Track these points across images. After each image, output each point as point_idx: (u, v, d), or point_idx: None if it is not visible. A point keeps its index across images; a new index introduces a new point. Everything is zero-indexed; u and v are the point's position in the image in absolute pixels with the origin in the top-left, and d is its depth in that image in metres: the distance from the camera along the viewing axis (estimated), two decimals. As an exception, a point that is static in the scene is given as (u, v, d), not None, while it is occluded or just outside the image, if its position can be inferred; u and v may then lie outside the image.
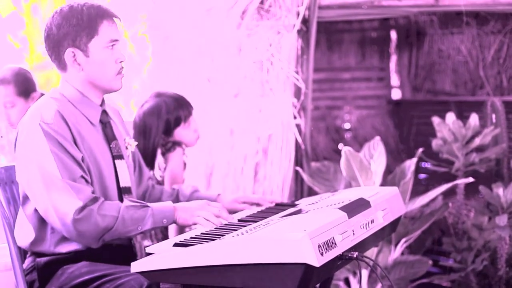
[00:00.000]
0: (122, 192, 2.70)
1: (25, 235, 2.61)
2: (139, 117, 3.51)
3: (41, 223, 2.56)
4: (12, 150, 3.88)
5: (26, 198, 2.58)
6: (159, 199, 2.99)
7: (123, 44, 2.70)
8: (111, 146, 2.69)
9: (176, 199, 3.02)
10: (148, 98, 3.58)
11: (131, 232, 2.48)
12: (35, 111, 2.55)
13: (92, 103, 2.66)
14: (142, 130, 3.47)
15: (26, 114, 2.60)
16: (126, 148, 2.82)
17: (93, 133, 2.64)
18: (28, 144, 2.51)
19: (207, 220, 2.50)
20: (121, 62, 2.64)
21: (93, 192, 2.48)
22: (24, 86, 3.75)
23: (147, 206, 2.51)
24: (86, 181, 2.50)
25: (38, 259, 2.58)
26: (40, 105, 2.58)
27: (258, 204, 2.99)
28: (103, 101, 2.72)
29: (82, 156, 2.53)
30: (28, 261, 2.65)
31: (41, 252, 2.59)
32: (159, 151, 3.49)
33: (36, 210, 2.55)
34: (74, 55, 2.58)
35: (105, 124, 2.71)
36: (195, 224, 2.53)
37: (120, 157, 2.72)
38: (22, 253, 2.71)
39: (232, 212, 2.86)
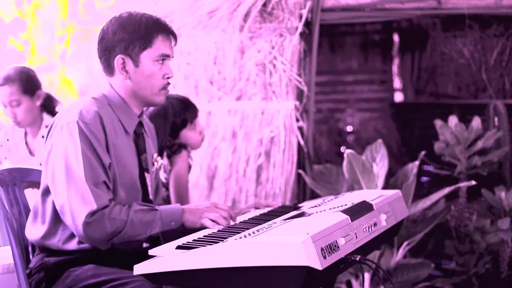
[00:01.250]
0: None
1: (38, 228, 2.61)
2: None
3: (57, 216, 2.56)
4: (16, 152, 3.89)
5: (47, 190, 2.59)
6: None
7: (172, 62, 2.71)
8: (141, 158, 2.70)
9: None
10: None
11: (141, 235, 2.49)
12: (75, 107, 2.56)
13: (132, 112, 2.67)
14: None
15: (66, 109, 2.60)
16: (153, 164, 2.83)
17: (126, 142, 2.65)
18: (62, 138, 2.51)
19: (214, 221, 2.51)
20: (168, 78, 2.65)
21: (111, 200, 2.49)
22: (29, 84, 3.77)
23: (156, 209, 2.52)
24: (108, 187, 2.51)
25: (46, 259, 2.59)
26: (82, 103, 2.58)
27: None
28: (142, 112, 2.74)
29: (110, 163, 2.54)
30: (36, 260, 2.65)
31: (49, 247, 2.59)
32: (164, 154, 3.49)
33: (53, 203, 2.56)
34: (124, 62, 2.60)
35: (138, 135, 2.72)
36: (202, 226, 2.53)
37: (148, 170, 2.74)
38: (25, 255, 2.72)
39: None
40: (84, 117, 2.51)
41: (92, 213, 2.42)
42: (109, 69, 2.64)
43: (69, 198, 2.45)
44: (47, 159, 2.55)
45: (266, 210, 2.94)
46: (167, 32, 2.64)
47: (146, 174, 2.72)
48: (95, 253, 2.55)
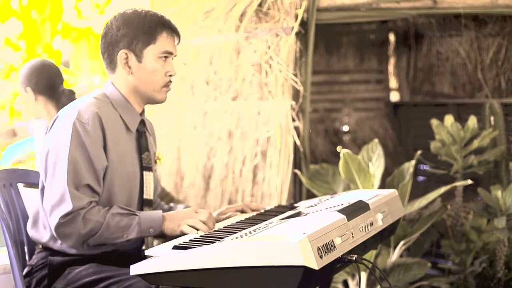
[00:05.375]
0: (144, 204, 2.70)
1: (40, 232, 2.62)
2: None
3: None
4: (42, 133, 3.97)
5: (43, 188, 2.59)
6: None
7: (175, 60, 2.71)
8: (142, 156, 2.70)
9: None
10: None
11: (117, 239, 2.48)
12: (74, 107, 2.55)
13: (134, 110, 2.67)
14: None
15: (67, 107, 2.60)
16: (155, 162, 2.82)
17: (127, 140, 2.64)
18: (56, 137, 2.52)
19: (193, 227, 2.50)
20: (170, 75, 2.65)
21: (91, 202, 2.48)
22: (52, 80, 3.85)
23: (135, 214, 2.51)
24: (92, 190, 2.50)
25: (51, 258, 2.59)
26: (81, 102, 2.58)
27: (242, 211, 2.96)
28: (143, 110, 2.73)
29: (107, 165, 2.53)
30: (38, 257, 2.64)
31: (53, 248, 2.60)
32: None
33: None
34: (127, 57, 2.60)
35: (141, 133, 2.71)
36: (182, 232, 2.51)
37: (149, 169, 2.72)
38: (21, 256, 2.72)
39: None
40: (81, 116, 2.50)
41: (67, 214, 2.42)
42: (111, 65, 2.64)
43: (51, 197, 2.46)
44: (45, 155, 2.56)
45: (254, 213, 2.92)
46: (171, 29, 2.65)
47: (146, 173, 2.71)
48: (99, 254, 2.56)
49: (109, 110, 2.60)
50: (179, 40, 2.70)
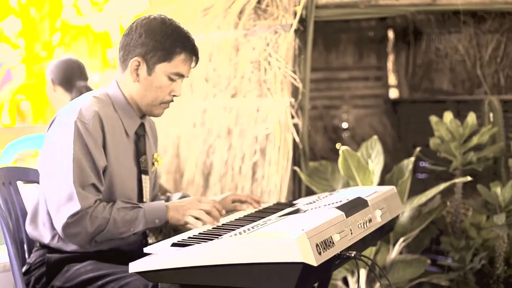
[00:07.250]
0: None
1: (39, 230, 2.62)
2: None
3: None
4: None
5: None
6: None
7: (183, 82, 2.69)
8: (140, 160, 2.70)
9: None
10: None
11: (124, 233, 2.50)
12: (75, 106, 2.55)
13: (134, 113, 2.67)
14: None
15: (67, 106, 2.60)
16: (153, 164, 2.82)
17: (125, 143, 2.65)
18: (58, 137, 2.52)
19: (198, 218, 2.51)
20: (174, 95, 2.64)
21: (96, 201, 2.49)
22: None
23: (139, 207, 2.51)
24: (97, 189, 2.51)
25: (48, 255, 2.60)
26: (82, 102, 2.58)
27: (245, 202, 2.96)
28: (144, 114, 2.73)
29: (106, 165, 2.54)
30: (36, 255, 2.65)
31: (51, 247, 2.60)
32: None
33: None
34: (138, 65, 2.59)
35: (139, 137, 2.71)
36: (186, 223, 2.53)
37: (146, 172, 2.73)
38: (21, 254, 2.72)
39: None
40: (83, 116, 2.50)
41: (75, 214, 2.42)
42: (123, 64, 2.64)
43: (58, 197, 2.46)
44: (46, 154, 2.56)
45: (251, 207, 2.92)
46: (192, 53, 2.62)
47: (143, 176, 2.71)
48: (98, 251, 2.57)
49: (109, 112, 2.60)
50: (196, 63, 2.67)
